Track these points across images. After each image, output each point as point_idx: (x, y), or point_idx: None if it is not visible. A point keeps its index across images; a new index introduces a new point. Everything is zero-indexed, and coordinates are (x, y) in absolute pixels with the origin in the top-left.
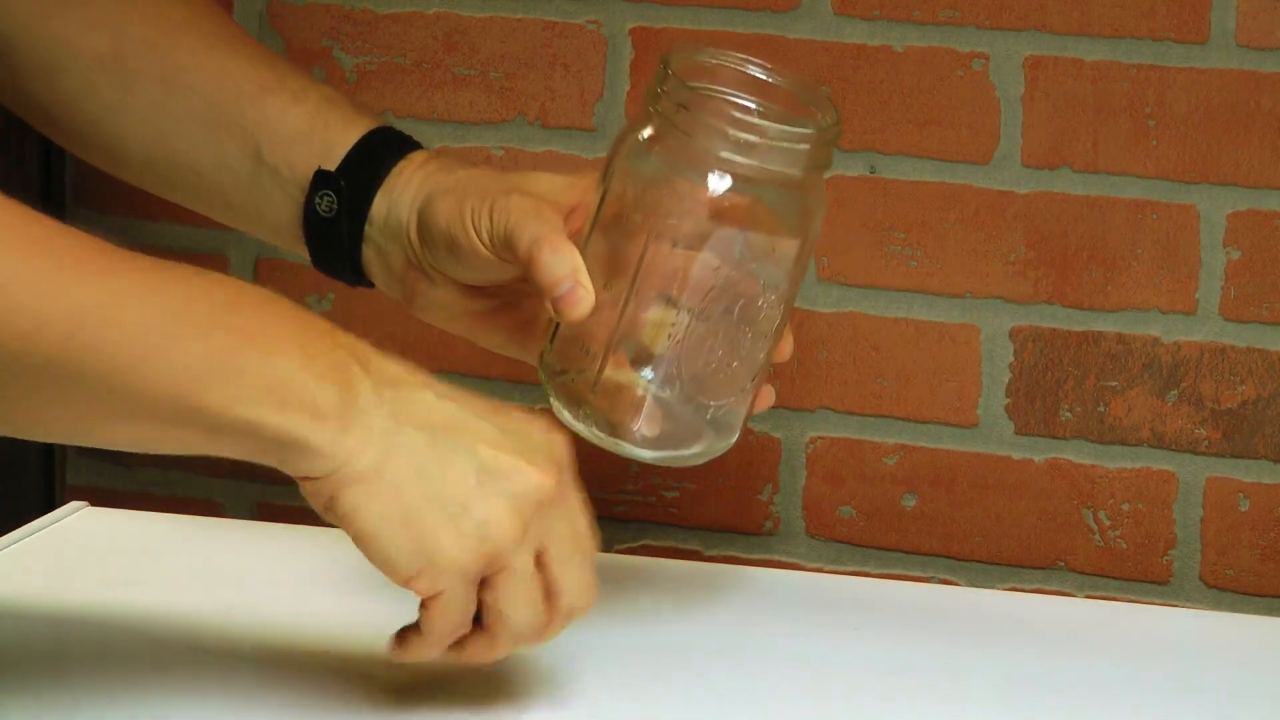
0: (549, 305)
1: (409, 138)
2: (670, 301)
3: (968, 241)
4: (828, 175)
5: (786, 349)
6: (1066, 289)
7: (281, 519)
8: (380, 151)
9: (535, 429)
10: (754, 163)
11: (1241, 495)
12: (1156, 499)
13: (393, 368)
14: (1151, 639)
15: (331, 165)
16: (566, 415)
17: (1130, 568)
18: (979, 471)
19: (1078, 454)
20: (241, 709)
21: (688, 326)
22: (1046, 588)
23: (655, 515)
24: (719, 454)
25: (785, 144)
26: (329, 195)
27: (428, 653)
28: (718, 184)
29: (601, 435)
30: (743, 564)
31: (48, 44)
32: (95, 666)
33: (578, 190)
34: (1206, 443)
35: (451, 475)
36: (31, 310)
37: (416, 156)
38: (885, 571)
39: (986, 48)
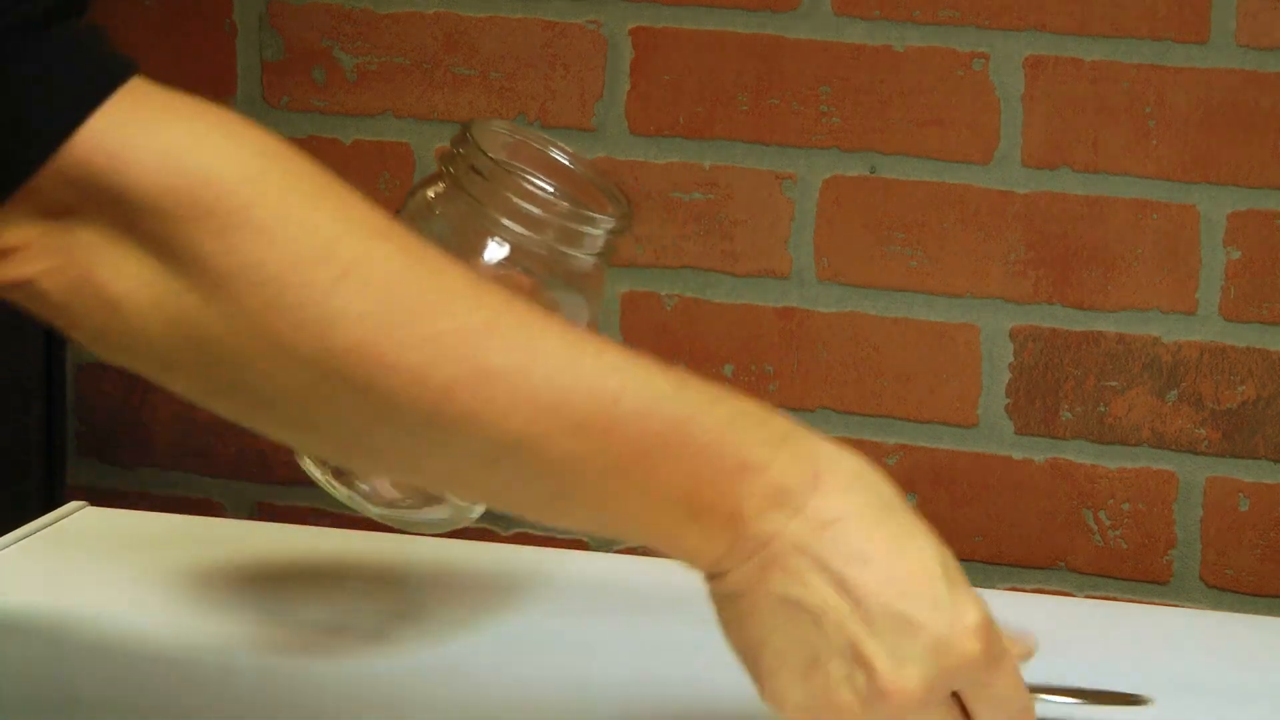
0: None
1: None
2: None
3: (968, 241)
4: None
5: None
6: (1066, 289)
7: (281, 519)
8: None
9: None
10: (537, 237)
11: (1241, 495)
12: (1156, 499)
13: (830, 504)
14: (1151, 639)
15: None
16: (306, 460)
17: (1130, 568)
18: (979, 471)
19: (1078, 454)
20: (241, 709)
21: None
22: (1046, 588)
23: None
24: (462, 524)
25: (573, 225)
26: None
27: None
28: (495, 252)
29: (334, 484)
30: None
31: None
32: (95, 666)
33: None
34: (1206, 443)
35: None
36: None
37: None
38: None
39: (986, 48)
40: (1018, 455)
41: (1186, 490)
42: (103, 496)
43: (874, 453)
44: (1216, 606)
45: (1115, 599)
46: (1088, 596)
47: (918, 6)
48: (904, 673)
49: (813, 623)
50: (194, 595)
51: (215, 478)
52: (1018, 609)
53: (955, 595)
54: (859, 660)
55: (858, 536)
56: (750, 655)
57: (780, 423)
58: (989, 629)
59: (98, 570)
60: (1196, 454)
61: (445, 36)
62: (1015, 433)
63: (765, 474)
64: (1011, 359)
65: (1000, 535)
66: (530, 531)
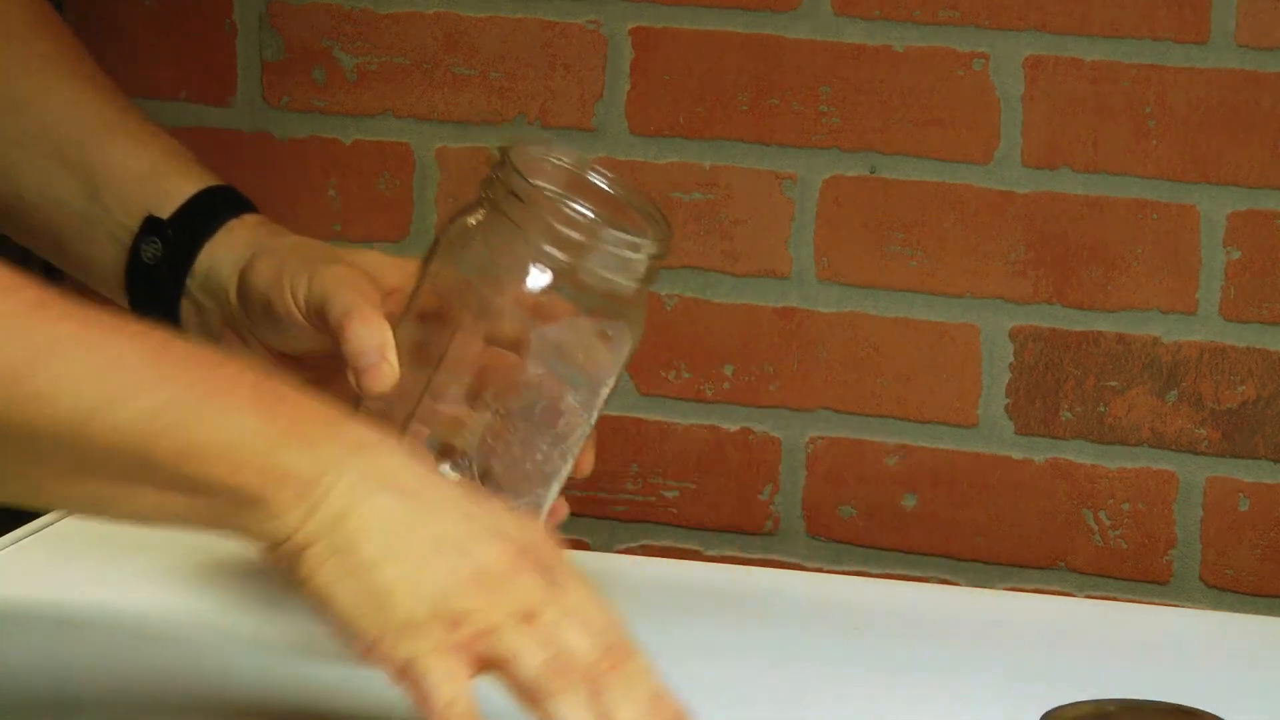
0: (351, 378)
1: (247, 200)
2: (473, 395)
3: (968, 241)
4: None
5: (587, 464)
6: (1066, 289)
7: None
8: (214, 207)
9: (511, 518)
10: (579, 263)
11: (1241, 495)
12: (1156, 499)
13: (360, 430)
14: (1151, 639)
15: (164, 214)
16: None
17: (1130, 568)
18: (979, 471)
19: (1078, 454)
20: (241, 709)
21: (486, 424)
22: (1046, 588)
23: (655, 515)
24: None
25: (614, 249)
26: (155, 242)
27: None
28: (538, 279)
29: None
30: (743, 564)
31: None
32: (95, 666)
33: (402, 271)
34: (1206, 443)
35: (416, 538)
36: None
37: (250, 218)
38: (885, 571)
39: (986, 48)
40: (1018, 455)
41: (1186, 490)
42: None
43: (874, 453)
44: (1216, 606)
45: (1115, 599)
46: (1088, 596)
47: (918, 6)
48: (483, 548)
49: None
50: (194, 595)
51: None
52: (1018, 609)
53: (485, 514)
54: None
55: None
56: (321, 601)
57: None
58: (538, 531)
59: (98, 570)
60: (1196, 454)
61: (445, 36)
62: (1015, 433)
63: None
64: (1011, 359)
65: (1000, 535)
66: None
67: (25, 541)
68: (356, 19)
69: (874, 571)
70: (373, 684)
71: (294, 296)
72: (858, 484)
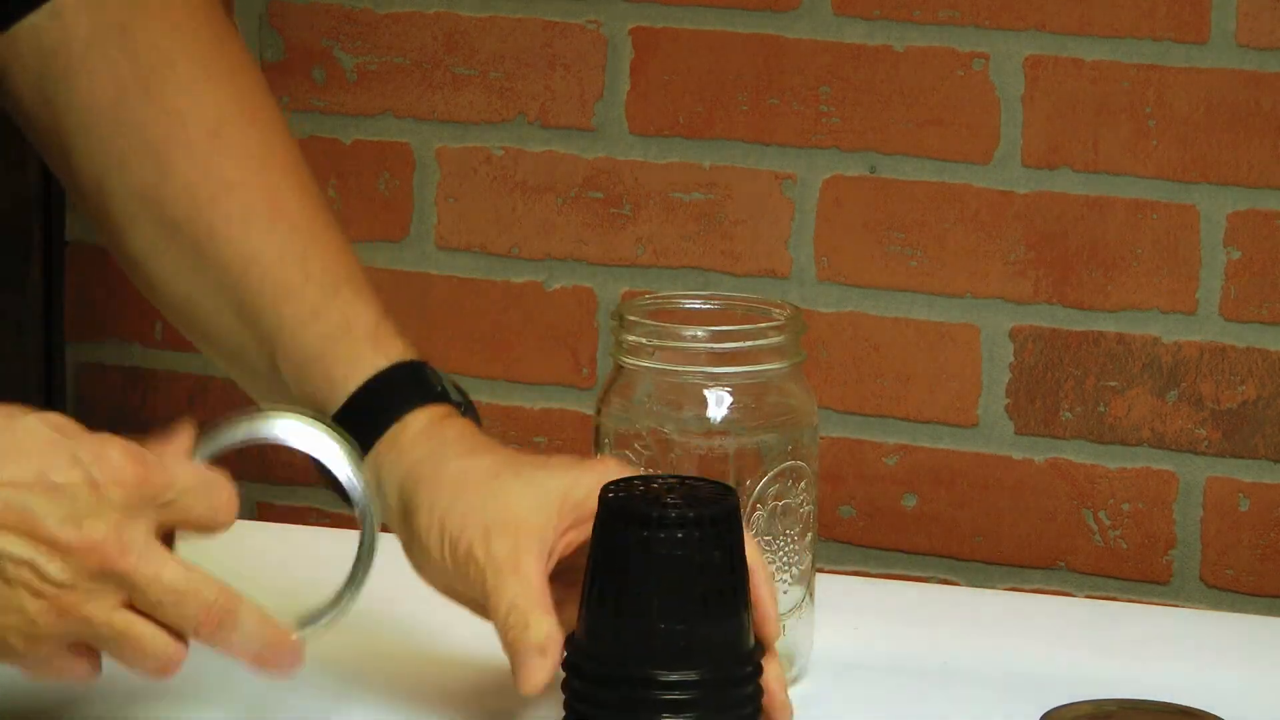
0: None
1: (415, 382)
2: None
3: (968, 241)
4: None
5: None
6: (1066, 289)
7: (281, 519)
8: (377, 407)
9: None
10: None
11: (1241, 495)
12: (1156, 499)
13: None
14: (1151, 639)
15: (333, 405)
16: None
17: (1130, 568)
18: (979, 471)
19: (1078, 454)
20: (241, 709)
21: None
22: (1046, 588)
23: None
24: None
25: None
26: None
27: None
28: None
29: None
30: None
31: (102, 153)
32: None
33: (573, 509)
34: (1206, 443)
35: None
36: None
37: (414, 421)
38: (885, 571)
39: (986, 48)
40: (1018, 455)
41: (1186, 490)
42: None
43: (874, 453)
44: (1216, 606)
45: (1115, 599)
46: (1088, 596)
47: (918, 6)
48: (82, 527)
49: None
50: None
51: None
52: (1018, 609)
53: (82, 443)
54: (39, 549)
55: None
56: None
57: None
58: (137, 451)
59: None
60: (1196, 454)
61: (445, 36)
62: (1015, 433)
63: None
64: (1011, 359)
65: (1000, 535)
66: None
67: None
68: (356, 19)
69: (874, 571)
70: (373, 684)
71: (455, 564)
72: (858, 484)
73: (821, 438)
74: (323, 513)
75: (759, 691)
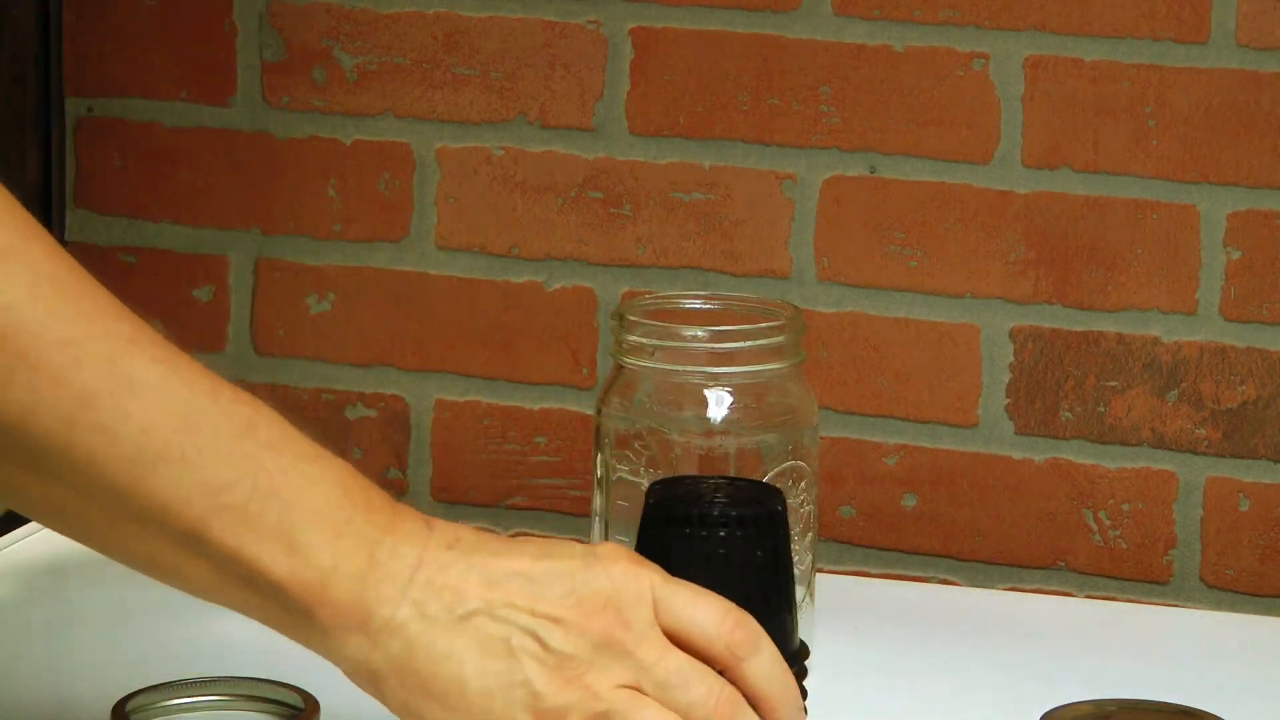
0: None
1: None
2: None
3: (968, 241)
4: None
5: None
6: (1066, 289)
7: None
8: None
9: (592, 574)
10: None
11: (1241, 495)
12: (1156, 499)
13: (441, 534)
14: (1151, 639)
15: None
16: None
17: (1130, 568)
18: (979, 471)
19: (1078, 454)
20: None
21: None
22: (1046, 588)
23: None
24: None
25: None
26: None
27: None
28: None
29: None
30: None
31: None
32: (95, 667)
33: None
34: (1206, 443)
35: (490, 662)
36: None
37: None
38: (885, 571)
39: (986, 48)
40: (1018, 455)
41: (1186, 490)
42: None
43: (874, 453)
44: (1216, 606)
45: (1115, 599)
46: (1088, 596)
47: (918, 6)
48: (585, 599)
49: (486, 618)
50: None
51: None
52: (1018, 609)
53: (591, 555)
54: (540, 619)
55: (478, 542)
56: (446, 698)
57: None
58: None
59: (98, 570)
60: (1196, 454)
61: (445, 36)
62: (1015, 433)
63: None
64: (1011, 359)
65: (1000, 535)
66: (530, 532)
67: (25, 541)
68: (356, 19)
69: (874, 571)
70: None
71: None
72: (858, 484)
73: (821, 438)
74: None
75: (804, 694)
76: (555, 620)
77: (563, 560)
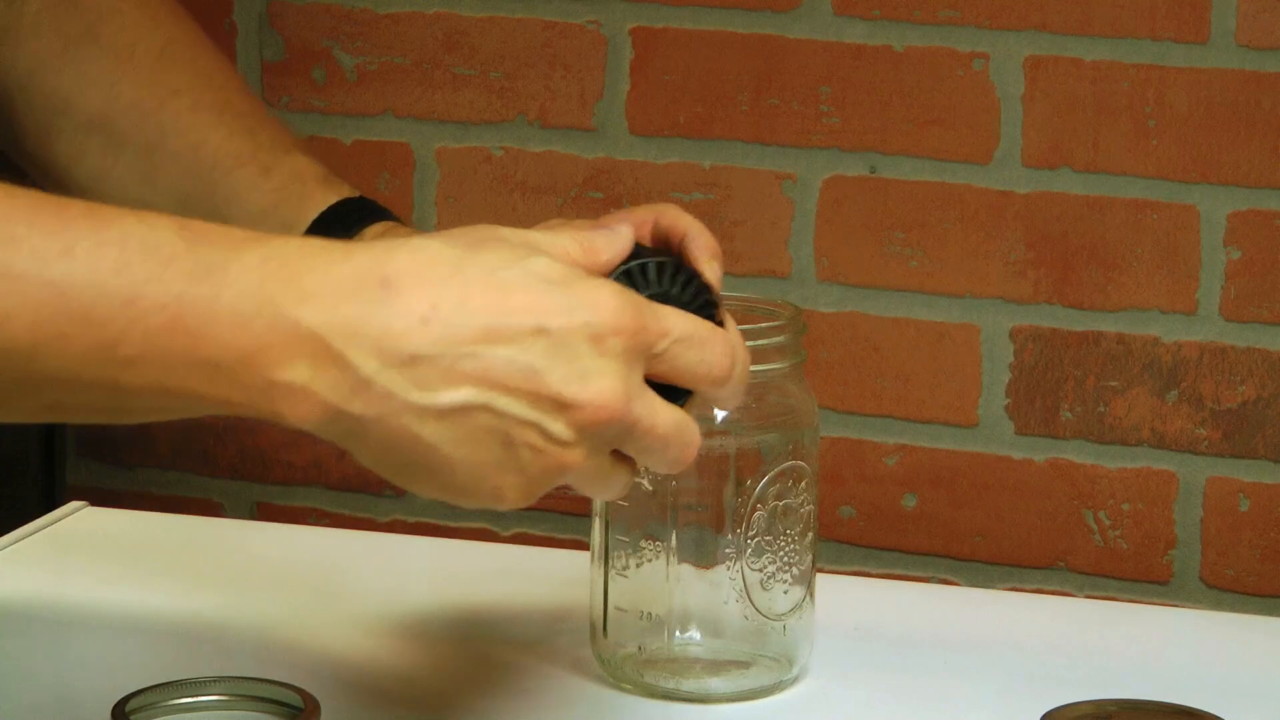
0: None
1: (369, 207)
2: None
3: (968, 241)
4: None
5: None
6: (1066, 289)
7: (281, 519)
8: (334, 228)
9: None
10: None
11: (1241, 495)
12: (1156, 499)
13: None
14: (1151, 639)
15: None
16: None
17: (1130, 568)
18: (979, 471)
19: (1078, 454)
20: None
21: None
22: (1046, 588)
23: None
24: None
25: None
26: None
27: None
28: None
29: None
30: None
31: (45, 100)
32: (95, 666)
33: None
34: (1206, 443)
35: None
36: None
37: (370, 232)
38: (885, 571)
39: (986, 48)
40: (1018, 455)
41: (1186, 490)
42: (103, 496)
43: (874, 453)
44: (1216, 606)
45: (1115, 599)
46: (1088, 596)
47: (918, 6)
48: (590, 385)
49: (482, 412)
50: (194, 595)
51: (215, 478)
52: (1018, 609)
53: (575, 291)
54: (544, 408)
55: (459, 315)
56: (431, 476)
57: (327, 248)
58: (631, 298)
59: (98, 570)
60: (1196, 454)
61: (445, 36)
62: (1015, 433)
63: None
64: (1011, 359)
65: (1000, 535)
66: (530, 532)
67: (25, 541)
68: (356, 19)
69: (874, 571)
70: (374, 683)
71: None
72: (858, 484)
73: (821, 438)
74: (323, 513)
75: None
76: (559, 406)
77: (567, 333)
